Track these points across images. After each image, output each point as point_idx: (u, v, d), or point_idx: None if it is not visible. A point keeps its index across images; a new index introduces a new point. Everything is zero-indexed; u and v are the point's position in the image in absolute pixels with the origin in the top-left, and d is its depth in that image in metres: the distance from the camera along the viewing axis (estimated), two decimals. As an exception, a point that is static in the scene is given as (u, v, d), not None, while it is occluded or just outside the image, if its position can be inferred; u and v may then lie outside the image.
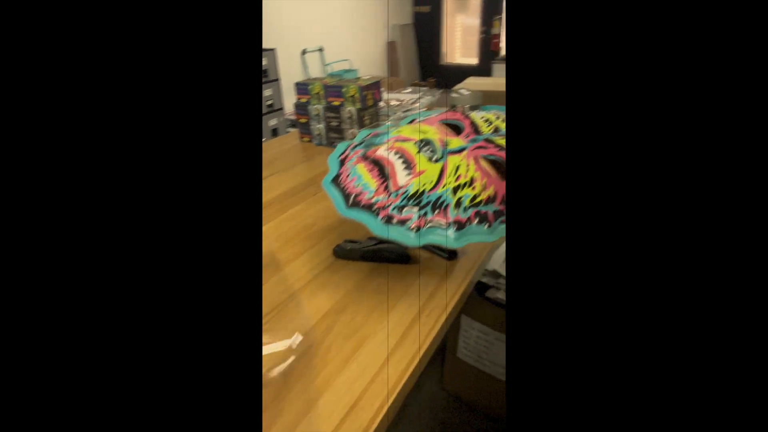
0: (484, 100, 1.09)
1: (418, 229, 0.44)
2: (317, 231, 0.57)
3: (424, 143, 0.50)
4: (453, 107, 0.64)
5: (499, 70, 3.14)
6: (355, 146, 0.54)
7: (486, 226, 0.45)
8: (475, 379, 0.91)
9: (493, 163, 0.51)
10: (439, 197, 0.46)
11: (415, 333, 0.40)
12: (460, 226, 0.45)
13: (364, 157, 0.51)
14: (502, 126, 0.57)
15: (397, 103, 1.15)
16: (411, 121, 0.62)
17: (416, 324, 0.41)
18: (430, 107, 1.22)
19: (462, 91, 1.07)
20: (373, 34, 3.27)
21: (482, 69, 3.49)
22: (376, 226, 0.45)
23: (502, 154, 0.51)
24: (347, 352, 0.38)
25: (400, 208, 0.45)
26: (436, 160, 0.49)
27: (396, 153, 0.50)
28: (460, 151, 0.51)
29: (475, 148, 0.51)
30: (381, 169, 0.48)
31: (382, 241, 0.48)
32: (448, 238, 0.44)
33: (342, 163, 0.52)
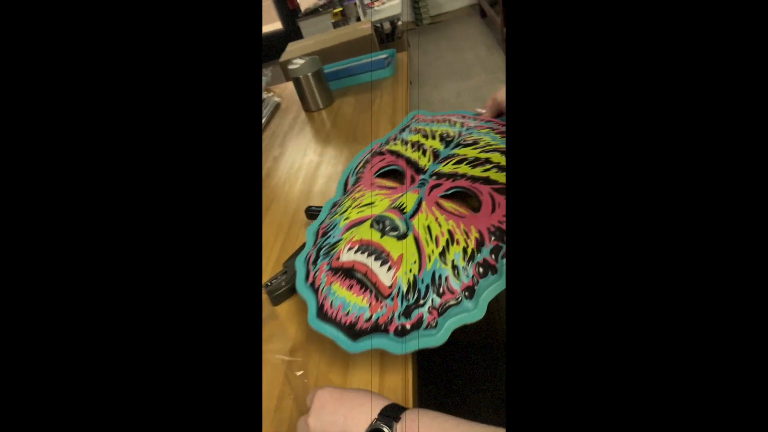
0: (323, 59, 1.03)
1: (436, 323, 0.40)
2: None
3: (380, 222, 0.44)
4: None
5: (307, 27, 2.93)
6: (314, 260, 0.48)
7: (492, 273, 0.41)
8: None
9: (455, 197, 0.46)
10: (434, 275, 0.41)
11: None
12: (470, 291, 0.40)
13: (333, 271, 0.45)
14: (437, 144, 0.52)
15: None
16: (345, 189, 0.55)
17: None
18: (267, 88, 1.14)
19: (296, 61, 0.99)
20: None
21: (292, 32, 3.27)
22: (395, 347, 0.40)
23: (459, 182, 0.46)
24: None
25: (406, 314, 0.40)
26: (404, 235, 0.43)
27: (360, 250, 0.44)
28: (418, 206, 0.45)
29: (430, 193, 0.46)
30: (359, 279, 0.43)
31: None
32: (468, 311, 0.40)
33: (315, 290, 0.45)
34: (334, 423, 0.34)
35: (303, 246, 0.54)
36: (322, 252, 0.47)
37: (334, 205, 0.54)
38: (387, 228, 0.44)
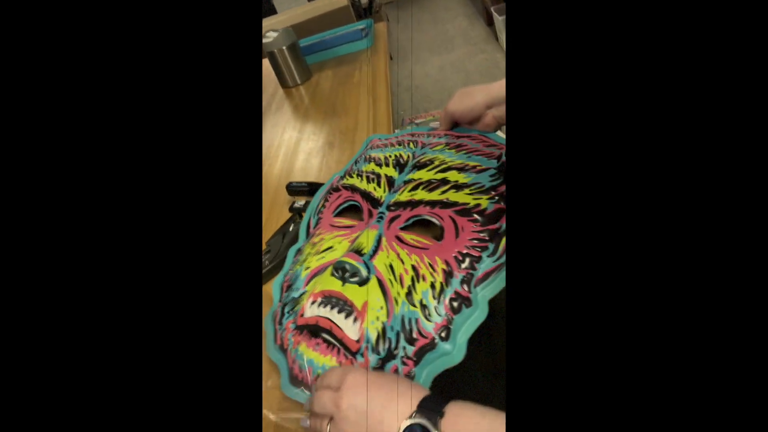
0: (299, 35, 1.00)
1: (413, 375, 0.36)
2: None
3: (338, 269, 0.41)
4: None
5: (281, 3, 2.85)
6: (279, 318, 0.44)
7: (467, 306, 0.37)
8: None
9: (416, 226, 0.42)
10: (402, 319, 0.37)
11: None
12: (445, 331, 0.37)
13: (299, 330, 0.41)
14: (390, 171, 0.48)
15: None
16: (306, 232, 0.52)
17: None
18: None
19: (269, 34, 0.96)
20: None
21: (266, 9, 3.16)
22: (372, 407, 0.36)
23: (418, 209, 0.43)
24: None
25: (379, 369, 0.37)
26: (366, 279, 0.40)
27: (323, 303, 0.40)
28: (378, 244, 0.42)
29: (389, 227, 0.43)
30: (324, 337, 0.39)
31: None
32: (447, 353, 0.36)
33: (284, 352, 0.42)
34: (370, 411, 0.30)
35: (287, 223, 0.57)
36: (286, 309, 0.44)
37: (298, 252, 0.50)
38: (347, 275, 0.40)
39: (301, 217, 0.57)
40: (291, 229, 0.56)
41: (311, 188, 0.60)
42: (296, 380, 0.39)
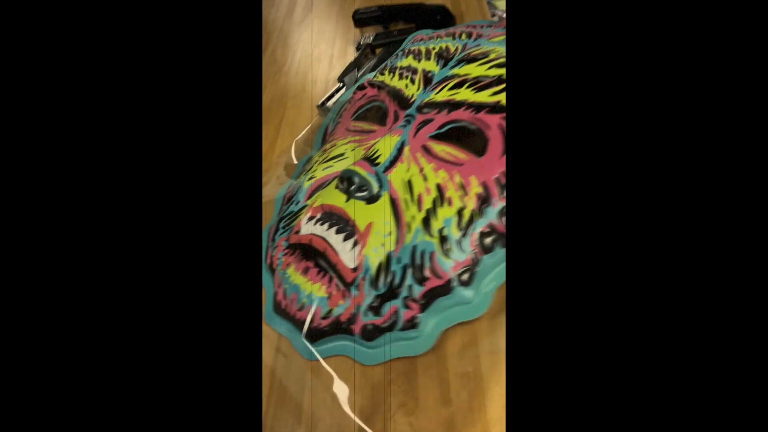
0: None
1: (417, 322, 0.28)
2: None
3: (344, 180, 0.32)
4: (356, 83, 0.44)
5: None
6: (274, 235, 0.37)
7: (501, 246, 0.28)
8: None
9: (450, 136, 0.32)
10: (414, 251, 0.28)
11: None
12: (469, 274, 0.27)
13: (291, 249, 0.34)
14: (431, 65, 0.37)
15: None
16: (322, 143, 0.43)
17: None
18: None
19: None
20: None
21: None
22: (362, 354, 0.29)
23: (457, 113, 0.32)
24: None
25: (375, 308, 0.28)
26: (376, 196, 0.31)
27: (321, 220, 0.32)
28: (398, 154, 0.32)
29: (416, 134, 0.33)
30: (316, 260, 0.31)
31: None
32: (465, 302, 0.27)
33: (272, 272, 0.35)
34: None
35: (359, 56, 0.49)
36: (281, 224, 0.36)
37: (307, 161, 0.42)
38: (353, 188, 0.31)
39: (373, 52, 0.48)
40: (365, 59, 0.47)
41: (383, 14, 0.50)
42: (279, 308, 0.33)
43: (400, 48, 0.46)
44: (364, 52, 0.51)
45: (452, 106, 0.32)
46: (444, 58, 0.37)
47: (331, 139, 0.40)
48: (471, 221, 0.28)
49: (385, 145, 0.32)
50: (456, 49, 0.37)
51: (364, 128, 0.38)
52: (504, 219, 0.28)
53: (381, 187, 0.31)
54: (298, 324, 0.31)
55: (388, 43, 0.51)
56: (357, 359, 0.29)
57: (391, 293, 0.28)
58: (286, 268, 0.33)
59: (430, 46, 0.40)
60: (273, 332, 0.32)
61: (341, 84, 0.48)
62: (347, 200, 0.31)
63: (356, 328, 0.29)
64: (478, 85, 0.32)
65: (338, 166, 0.35)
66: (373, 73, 0.43)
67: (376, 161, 0.32)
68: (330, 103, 0.47)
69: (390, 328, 0.28)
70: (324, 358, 0.30)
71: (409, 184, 0.30)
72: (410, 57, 0.40)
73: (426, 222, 0.29)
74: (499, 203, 0.28)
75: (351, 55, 0.54)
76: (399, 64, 0.40)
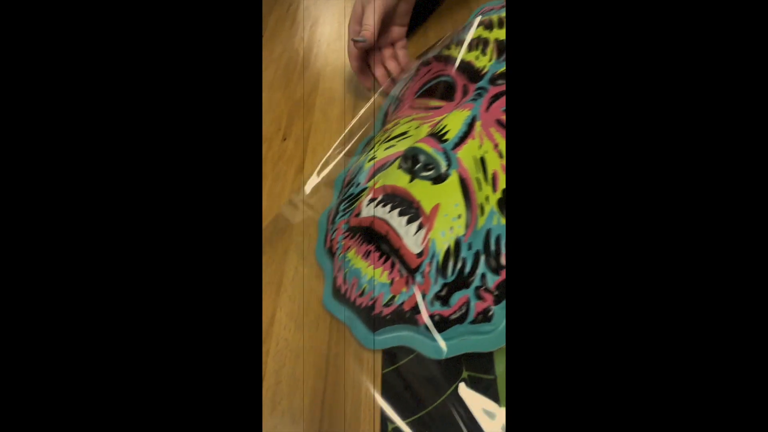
0: None
1: (491, 314, 0.25)
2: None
3: (408, 159, 0.29)
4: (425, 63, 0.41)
5: None
6: (334, 217, 0.35)
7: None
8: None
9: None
10: (488, 235, 0.25)
11: None
12: (552, 262, 0.24)
13: (351, 232, 0.32)
14: (503, 33, 0.34)
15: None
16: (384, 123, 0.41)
17: None
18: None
19: None
20: None
21: None
22: (427, 346, 0.26)
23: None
24: None
25: (443, 298, 0.26)
26: (444, 176, 0.28)
27: (382, 202, 0.30)
28: (469, 129, 0.29)
29: (488, 108, 0.29)
30: (378, 243, 0.29)
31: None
32: (546, 295, 0.24)
33: (331, 256, 0.33)
34: None
35: None
36: (341, 206, 0.35)
37: (368, 143, 0.40)
38: (418, 167, 0.29)
39: None
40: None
41: None
42: (339, 293, 0.31)
43: (468, 22, 0.43)
44: None
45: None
46: (520, 24, 0.33)
47: (393, 118, 0.38)
48: (555, 203, 0.24)
49: (453, 121, 0.30)
50: (534, 15, 0.33)
51: (430, 105, 0.35)
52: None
53: (449, 165, 0.28)
54: (358, 310, 0.29)
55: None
56: (422, 352, 0.26)
57: (461, 281, 0.25)
58: (346, 251, 0.32)
59: (503, 15, 0.36)
60: (332, 317, 0.31)
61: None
62: (411, 180, 0.29)
63: (421, 319, 0.26)
64: (563, 50, 0.28)
65: (401, 146, 0.33)
66: (439, 49, 0.40)
67: (444, 138, 0.29)
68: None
69: (460, 320, 0.25)
70: (385, 349, 0.28)
71: (482, 162, 0.27)
72: (480, 27, 0.36)
73: (502, 203, 0.26)
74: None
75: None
76: (467, 36, 0.37)
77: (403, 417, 0.25)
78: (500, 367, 0.25)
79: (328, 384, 0.28)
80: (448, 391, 0.25)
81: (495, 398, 0.24)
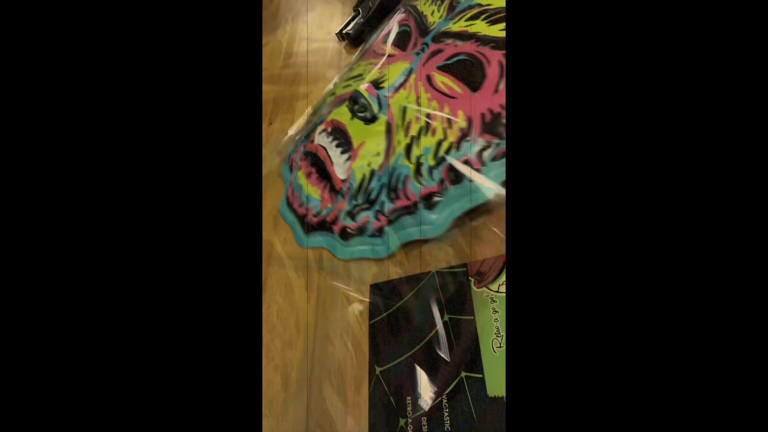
0: None
1: (381, 232, 0.32)
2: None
3: (352, 100, 0.35)
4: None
5: None
6: (299, 140, 0.42)
7: (470, 182, 0.30)
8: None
9: (456, 68, 0.33)
10: (392, 172, 0.32)
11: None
12: (431, 199, 0.30)
13: (305, 155, 0.39)
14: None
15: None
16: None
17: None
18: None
19: None
20: None
21: None
22: (339, 249, 0.34)
23: (465, 45, 0.32)
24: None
25: (352, 214, 0.33)
26: (374, 118, 0.34)
27: (329, 132, 0.36)
28: (405, 80, 0.34)
29: (425, 63, 0.34)
30: (319, 166, 0.36)
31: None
32: (425, 224, 0.31)
33: (289, 172, 0.41)
34: None
35: None
36: (305, 132, 0.41)
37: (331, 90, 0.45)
38: (356, 107, 0.34)
39: None
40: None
41: None
42: (288, 202, 0.39)
43: None
44: None
45: (464, 37, 0.33)
46: (476, -16, 0.36)
47: (361, 60, 0.43)
48: (448, 152, 0.30)
49: (394, 71, 0.34)
50: (492, -25, 0.36)
51: (390, 52, 0.39)
52: (478, 157, 0.29)
53: (380, 109, 0.34)
54: (300, 218, 0.37)
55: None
56: (334, 253, 0.34)
57: (366, 205, 0.32)
58: (298, 171, 0.39)
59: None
60: (283, 222, 0.39)
61: (356, 12, 0.48)
62: (351, 119, 0.35)
63: (336, 228, 0.34)
64: (494, 17, 0.32)
65: (355, 86, 0.38)
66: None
67: (381, 85, 0.34)
68: (348, 29, 0.48)
69: (360, 232, 0.33)
70: (311, 248, 0.36)
71: (404, 111, 0.33)
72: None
73: (408, 148, 0.32)
74: (479, 140, 0.30)
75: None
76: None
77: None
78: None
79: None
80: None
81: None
